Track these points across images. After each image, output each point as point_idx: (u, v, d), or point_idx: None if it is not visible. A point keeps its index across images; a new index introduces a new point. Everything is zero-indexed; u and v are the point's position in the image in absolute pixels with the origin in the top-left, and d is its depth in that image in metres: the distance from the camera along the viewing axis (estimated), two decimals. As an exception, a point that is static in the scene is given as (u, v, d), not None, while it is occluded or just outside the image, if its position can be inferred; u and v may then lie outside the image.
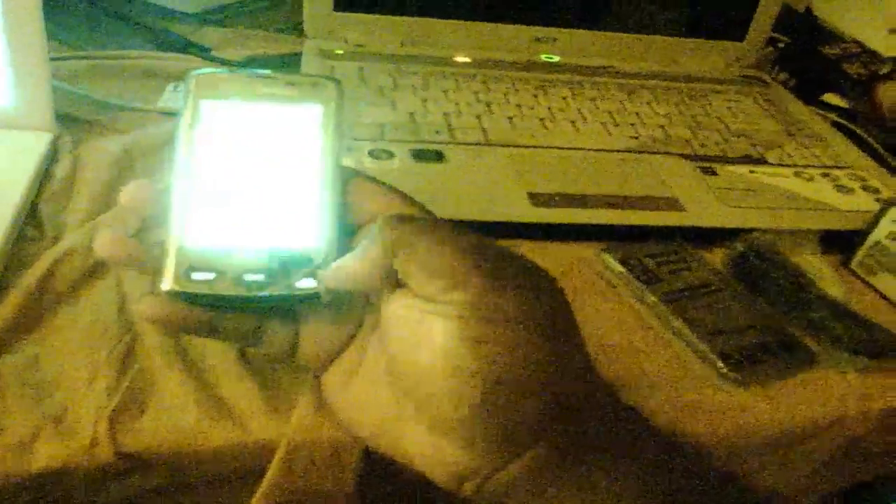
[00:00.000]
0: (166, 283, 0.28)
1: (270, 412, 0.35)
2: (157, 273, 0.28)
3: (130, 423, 0.33)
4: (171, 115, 0.54)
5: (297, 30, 0.68)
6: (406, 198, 0.30)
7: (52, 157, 0.47)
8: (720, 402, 0.41)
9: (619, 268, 0.47)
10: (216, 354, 0.37)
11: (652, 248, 0.48)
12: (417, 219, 0.28)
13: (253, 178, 0.29)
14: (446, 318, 0.25)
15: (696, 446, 0.40)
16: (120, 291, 0.40)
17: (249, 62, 0.58)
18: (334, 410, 0.32)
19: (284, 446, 0.34)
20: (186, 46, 0.59)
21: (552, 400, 0.26)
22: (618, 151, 0.55)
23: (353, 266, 0.28)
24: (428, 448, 0.27)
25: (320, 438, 0.34)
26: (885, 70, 0.72)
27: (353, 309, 0.31)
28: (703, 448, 0.40)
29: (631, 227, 0.49)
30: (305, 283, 0.29)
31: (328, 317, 0.31)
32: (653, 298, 0.45)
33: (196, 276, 0.28)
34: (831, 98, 0.72)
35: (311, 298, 0.29)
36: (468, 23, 0.63)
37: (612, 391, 0.29)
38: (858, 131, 0.65)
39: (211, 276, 0.28)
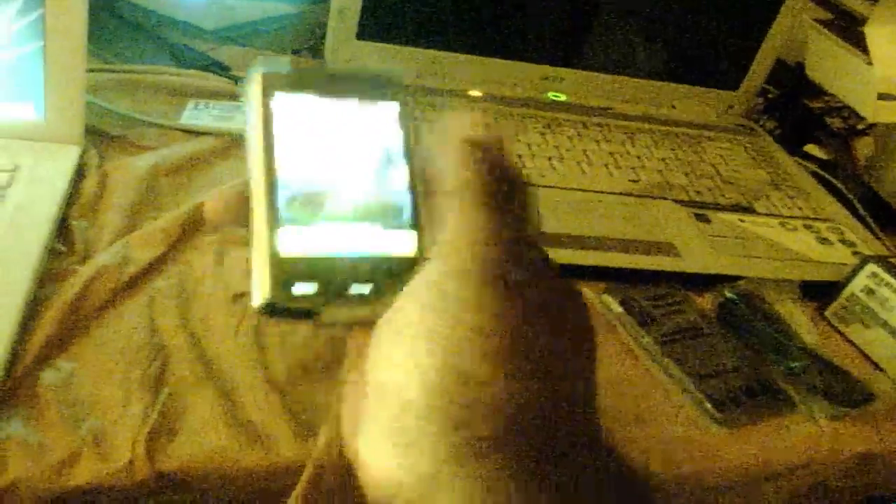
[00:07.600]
0: (258, 297, 0.25)
1: (297, 434, 0.37)
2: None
3: (165, 445, 0.35)
4: (194, 132, 0.55)
5: (312, 50, 0.70)
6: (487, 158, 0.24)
7: (80, 171, 0.48)
8: (703, 439, 0.44)
9: (619, 309, 0.50)
10: (244, 377, 0.39)
11: (649, 291, 0.51)
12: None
13: (343, 180, 0.27)
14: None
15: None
16: (151, 312, 0.41)
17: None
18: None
19: (310, 467, 0.36)
20: (207, 64, 0.61)
21: (539, 436, 0.21)
22: (619, 194, 0.58)
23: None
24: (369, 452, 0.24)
25: (345, 459, 0.37)
26: (862, 125, 0.77)
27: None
28: (684, 483, 0.44)
29: (630, 270, 0.52)
30: None
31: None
32: (648, 339, 0.48)
33: (297, 288, 0.25)
34: (813, 149, 0.76)
35: None
36: (481, 58, 0.65)
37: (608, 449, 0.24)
38: (837, 184, 0.69)
39: (312, 288, 0.25)
